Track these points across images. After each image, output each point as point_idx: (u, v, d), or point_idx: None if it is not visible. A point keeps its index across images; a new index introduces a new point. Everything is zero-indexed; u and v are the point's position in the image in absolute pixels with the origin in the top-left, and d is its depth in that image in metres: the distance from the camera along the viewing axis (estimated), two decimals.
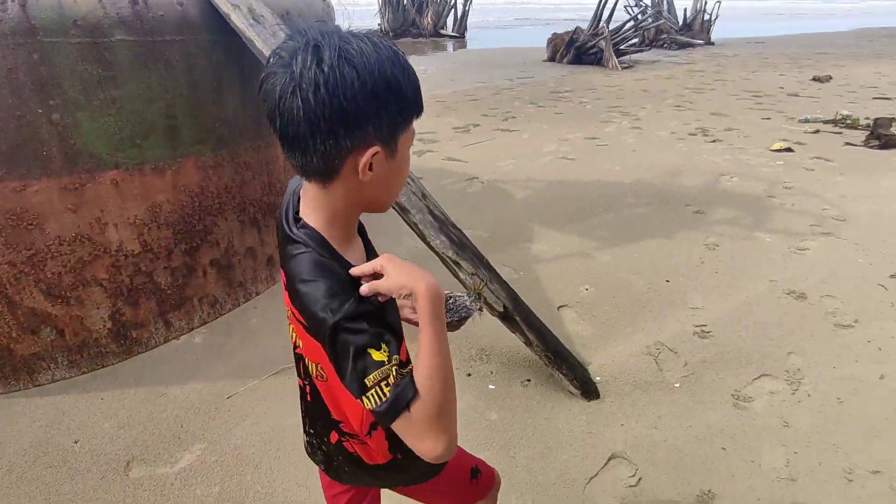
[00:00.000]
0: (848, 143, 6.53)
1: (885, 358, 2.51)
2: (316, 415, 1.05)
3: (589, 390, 2.37)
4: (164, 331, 2.71)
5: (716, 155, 5.97)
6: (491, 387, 2.45)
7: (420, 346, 0.78)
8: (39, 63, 1.97)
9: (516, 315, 2.29)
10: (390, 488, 1.17)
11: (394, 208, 2.29)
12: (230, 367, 2.59)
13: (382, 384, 0.75)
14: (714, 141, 6.59)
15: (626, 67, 13.90)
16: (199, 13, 2.32)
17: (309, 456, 1.14)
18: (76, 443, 2.19)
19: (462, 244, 2.32)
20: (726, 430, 2.16)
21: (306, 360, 0.98)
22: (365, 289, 0.80)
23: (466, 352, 2.66)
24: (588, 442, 2.14)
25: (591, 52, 14.36)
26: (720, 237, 3.84)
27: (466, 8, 22.52)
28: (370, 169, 0.80)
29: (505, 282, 2.38)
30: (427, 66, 14.03)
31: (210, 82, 2.43)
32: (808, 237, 3.84)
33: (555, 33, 15.42)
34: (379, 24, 22.42)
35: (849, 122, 7.41)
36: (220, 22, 2.34)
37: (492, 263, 2.41)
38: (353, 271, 0.83)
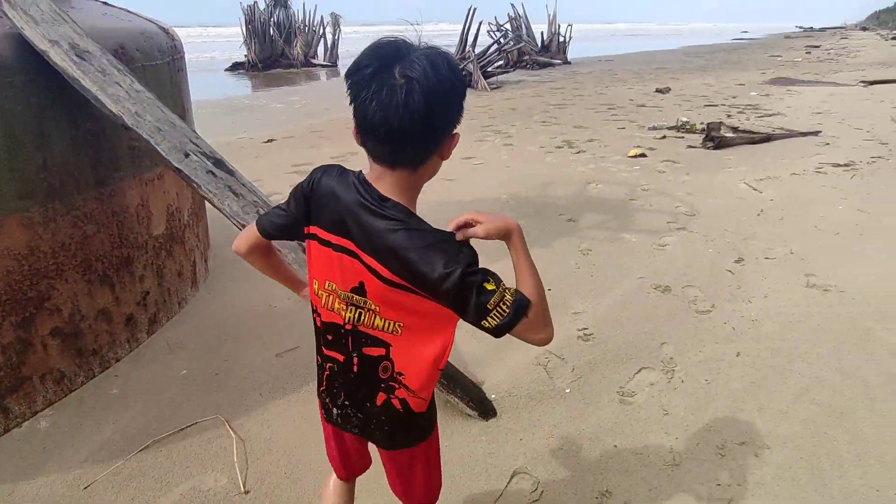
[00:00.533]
0: (690, 146, 7.35)
1: (738, 336, 2.80)
2: (361, 383, 1.18)
3: (486, 409, 2.36)
4: (1, 419, 2.30)
5: (581, 165, 6.42)
6: None
7: (522, 270, 1.08)
8: None
9: None
10: (399, 448, 1.28)
11: None
12: (88, 450, 2.25)
13: (501, 304, 0.99)
14: (579, 152, 7.10)
15: (494, 88, 14.65)
16: (13, 52, 2.03)
17: (339, 425, 1.28)
18: None
19: None
20: (616, 427, 2.26)
21: (372, 323, 1.10)
22: (460, 235, 1.05)
23: None
24: (490, 462, 2.12)
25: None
26: (592, 242, 4.09)
27: (336, 37, 22.52)
28: None
29: None
30: (302, 97, 13.75)
31: (30, 128, 2.13)
32: (666, 233, 4.22)
33: None
34: (245, 56, 21.68)
35: (688, 127, 8.38)
36: (38, 61, 2.07)
37: None
38: (452, 225, 1.07)
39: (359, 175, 1.08)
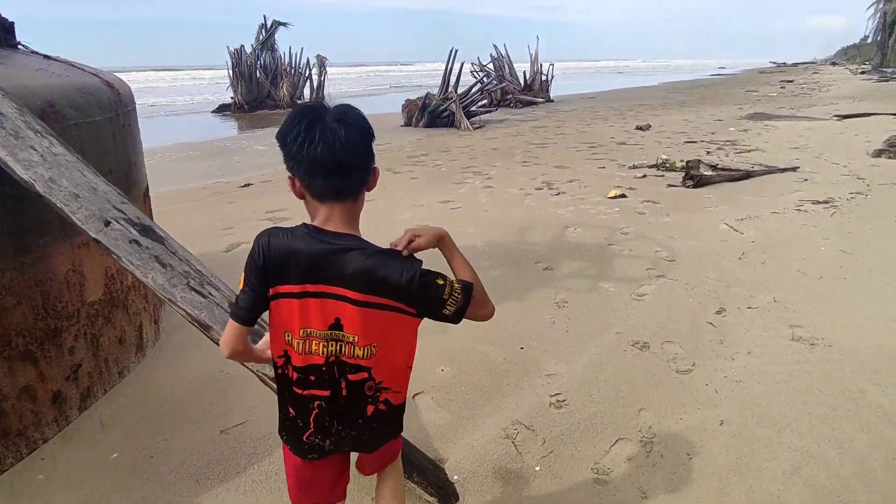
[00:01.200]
0: (670, 185, 7.30)
1: (722, 400, 2.60)
2: (351, 405, 1.32)
3: (447, 494, 2.12)
4: None
5: (560, 207, 6.31)
6: None
7: (457, 262, 1.35)
8: None
9: None
10: (384, 444, 1.45)
11: (195, 325, 1.94)
12: None
13: (454, 293, 1.25)
14: (558, 193, 7.01)
15: (477, 128, 14.74)
16: None
17: (330, 452, 1.39)
18: None
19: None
20: None
21: (352, 354, 1.26)
22: (407, 251, 1.25)
23: None
24: None
25: (444, 115, 15.07)
26: (569, 292, 3.92)
27: (322, 78, 22.80)
28: None
29: None
30: None
31: None
32: (645, 281, 4.06)
33: (408, 99, 16.02)
34: (232, 98, 21.84)
35: (668, 164, 8.36)
36: None
37: None
38: (396, 244, 1.28)
39: (306, 226, 1.24)
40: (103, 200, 1.95)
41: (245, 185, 8.01)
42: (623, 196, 6.78)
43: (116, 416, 2.70)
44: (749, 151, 9.44)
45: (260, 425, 2.60)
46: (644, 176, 7.95)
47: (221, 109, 21.51)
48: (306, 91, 22.82)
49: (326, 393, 1.29)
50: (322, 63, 22.55)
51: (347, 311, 1.22)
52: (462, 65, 16.43)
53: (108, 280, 2.77)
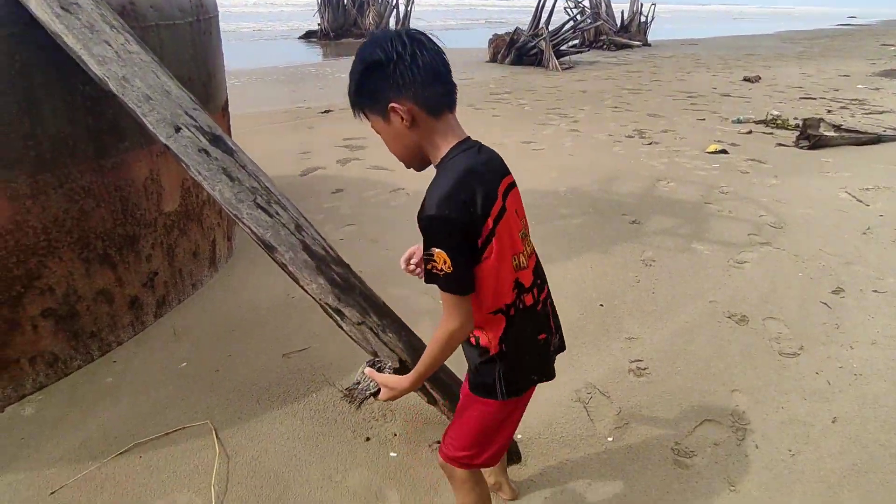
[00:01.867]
0: (780, 144, 6.50)
1: (835, 394, 2.25)
2: (550, 302, 1.39)
3: (509, 453, 1.98)
4: None
5: (653, 158, 5.78)
6: (392, 454, 2.02)
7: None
8: None
9: None
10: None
11: (259, 245, 1.84)
12: (67, 446, 2.06)
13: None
14: (651, 143, 6.43)
15: (566, 68, 13.83)
16: None
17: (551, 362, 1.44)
18: None
19: (348, 285, 1.88)
20: (665, 496, 1.82)
21: (532, 249, 1.32)
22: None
23: (367, 410, 2.22)
24: None
25: (531, 52, 14.22)
26: (657, 250, 3.56)
27: (409, 8, 22.07)
28: None
29: (405, 328, 1.96)
30: None
31: (15, 90, 1.90)
32: (746, 248, 3.62)
33: (495, 34, 15.21)
34: (319, 25, 21.68)
35: (779, 122, 7.45)
36: (23, 11, 1.81)
37: (410, 291, 1.99)
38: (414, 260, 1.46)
39: (457, 149, 1.17)
40: (175, 105, 1.84)
41: (325, 112, 7.94)
42: (724, 152, 6.11)
43: (188, 327, 2.74)
44: (880, 113, 8.24)
45: (320, 354, 2.54)
46: (750, 132, 7.14)
47: (308, 36, 21.48)
48: (392, 21, 22.23)
49: (543, 295, 1.33)
50: None
51: (519, 197, 1.26)
52: (556, 0, 15.28)
53: (184, 192, 2.75)
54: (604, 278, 3.21)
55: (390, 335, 1.88)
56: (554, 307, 1.41)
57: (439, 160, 1.18)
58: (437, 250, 1.11)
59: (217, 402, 2.26)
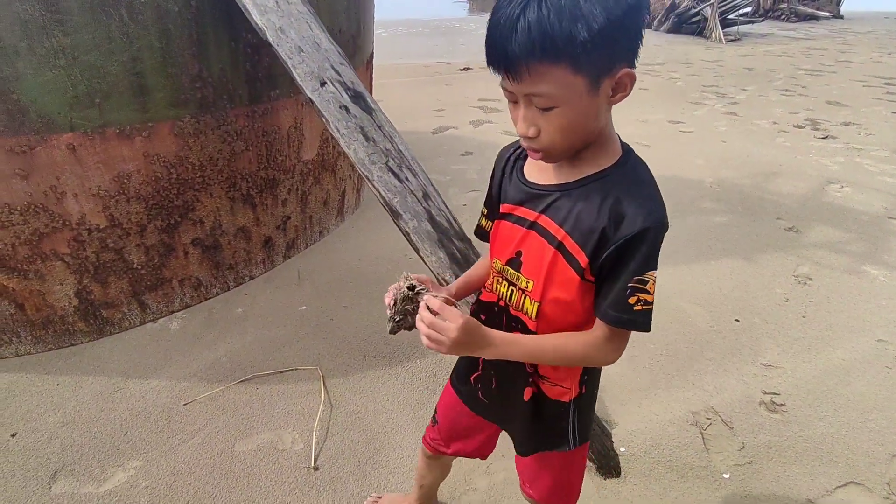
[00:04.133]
0: None
1: None
2: None
3: (607, 465, 1.85)
4: (138, 312, 2.44)
5: (826, 155, 5.00)
6: None
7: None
8: None
9: None
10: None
11: (386, 210, 1.83)
12: (199, 365, 2.29)
13: None
14: (826, 137, 5.55)
15: (731, 40, 12.37)
16: None
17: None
18: (13, 436, 1.96)
19: (466, 262, 1.83)
20: None
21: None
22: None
23: None
24: None
25: (693, 20, 12.88)
26: (816, 267, 3.09)
27: None
28: None
29: None
30: None
31: (188, 34, 2.03)
32: None
33: None
34: None
35: None
36: None
37: None
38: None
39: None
40: (323, 59, 1.85)
41: (464, 69, 7.86)
42: None
43: (311, 272, 2.89)
44: None
45: None
46: None
47: None
48: None
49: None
50: None
51: None
52: None
53: (322, 142, 2.84)
54: (744, 290, 2.86)
55: None
56: None
57: (619, 152, 0.92)
58: (654, 273, 0.87)
59: (327, 350, 2.37)
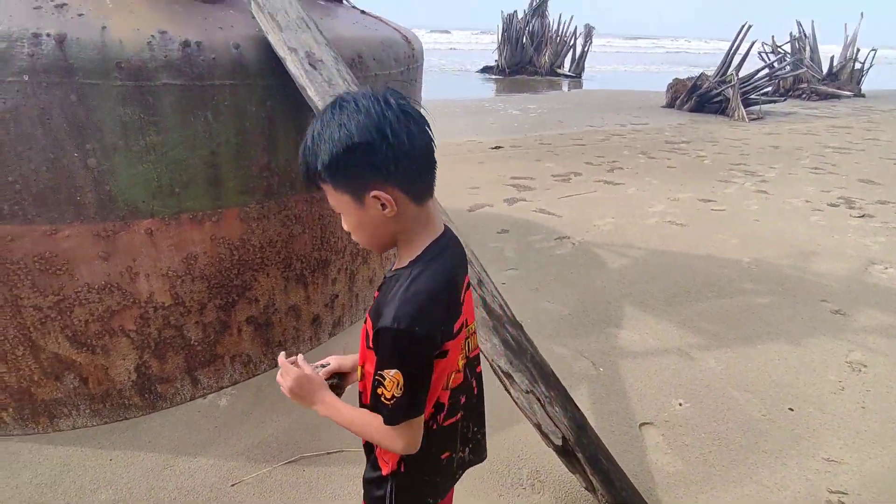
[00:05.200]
0: None
1: None
2: (481, 405, 1.23)
3: None
4: (190, 387, 2.50)
5: (865, 235, 4.96)
6: None
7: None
8: (77, 105, 1.84)
9: (578, 451, 1.78)
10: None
11: None
12: (247, 443, 2.30)
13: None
14: (863, 216, 5.54)
15: (754, 119, 12.64)
16: (256, 57, 2.12)
17: (459, 473, 1.22)
18: None
19: (520, 349, 1.86)
20: None
21: (475, 344, 1.17)
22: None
23: (515, 472, 2.16)
24: None
25: (714, 100, 13.26)
26: (870, 354, 3.01)
27: (586, 49, 22.08)
28: None
29: (570, 402, 1.88)
30: (538, 105, 13.71)
31: (261, 130, 2.22)
32: None
33: (676, 79, 14.49)
34: (496, 62, 22.61)
35: None
36: (278, 65, 2.12)
37: (569, 351, 1.92)
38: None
39: (433, 248, 1.01)
40: None
41: (496, 148, 8.17)
42: None
43: (354, 348, 2.93)
44: None
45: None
46: None
47: (484, 70, 22.52)
48: (567, 60, 22.38)
49: (464, 399, 1.15)
50: (589, 33, 21.75)
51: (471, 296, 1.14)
52: (752, 45, 14.10)
53: None
54: (795, 376, 2.79)
55: (556, 409, 1.81)
56: (478, 413, 1.21)
57: (414, 257, 0.99)
58: (393, 372, 0.93)
59: None
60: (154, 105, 1.95)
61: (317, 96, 1.97)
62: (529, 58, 22.05)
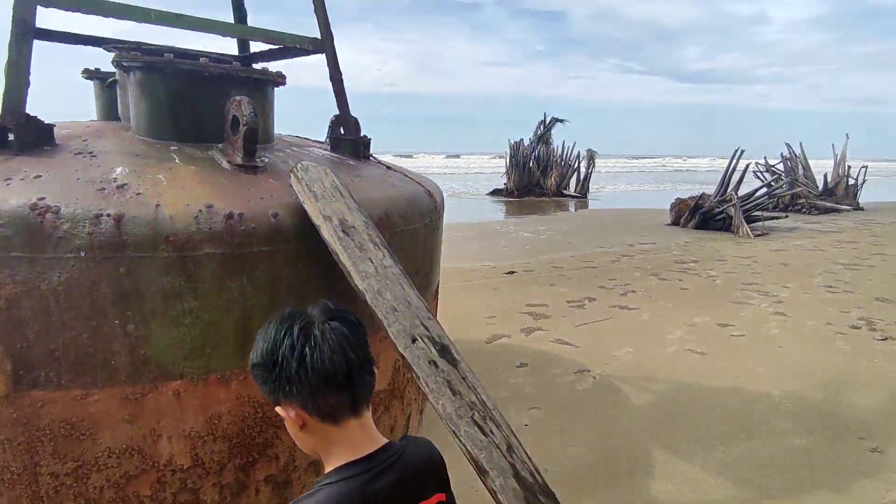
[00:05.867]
0: None
1: None
2: None
3: None
4: None
5: (892, 360, 4.84)
6: None
7: None
8: (125, 276, 1.96)
9: None
10: None
11: (472, 465, 1.84)
12: None
13: None
14: (886, 339, 5.44)
15: (758, 235, 12.92)
16: (292, 223, 2.27)
17: None
18: None
19: None
20: None
21: None
22: None
23: None
24: None
25: (717, 217, 13.68)
26: None
27: (589, 171, 23.31)
28: None
29: None
30: (548, 227, 14.19)
31: (292, 292, 2.31)
32: None
33: (678, 198, 15.08)
34: (505, 184, 23.78)
35: None
36: (312, 229, 2.27)
37: None
38: None
39: (371, 465, 1.01)
40: (414, 316, 2.05)
41: (509, 273, 8.33)
42: None
43: None
44: None
45: None
46: None
47: (495, 193, 23.62)
48: (572, 182, 23.53)
49: None
50: (592, 157, 23.10)
51: None
52: (747, 166, 14.84)
53: (394, 372, 2.97)
54: None
55: None
56: None
57: (327, 473, 1.02)
58: None
59: None
60: (195, 273, 2.06)
61: (349, 262, 2.08)
62: (537, 180, 23.21)
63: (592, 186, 24.19)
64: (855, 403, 3.98)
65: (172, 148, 2.50)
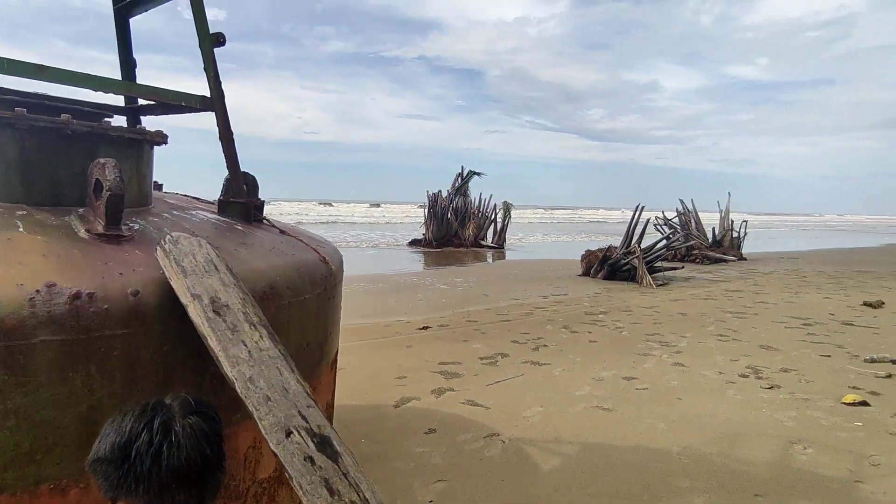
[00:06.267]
0: None
1: None
2: None
3: None
4: None
5: (778, 409, 5.15)
6: None
7: None
8: None
9: None
10: None
11: None
12: None
13: None
14: (771, 387, 5.82)
15: (660, 284, 13.78)
16: (157, 301, 2.02)
17: None
18: None
19: None
20: None
21: None
22: None
23: None
24: None
25: (624, 268, 14.47)
26: None
27: (506, 222, 24.09)
28: None
29: None
30: (465, 278, 14.29)
31: (153, 377, 2.04)
32: None
33: (588, 250, 15.86)
34: (423, 235, 23.95)
35: None
36: (180, 310, 2.04)
37: None
38: None
39: None
40: (291, 405, 1.86)
41: (423, 328, 8.19)
42: (864, 403, 5.36)
43: None
44: None
45: None
46: (889, 376, 6.33)
47: (413, 244, 23.70)
48: (490, 233, 24.16)
49: None
50: (507, 209, 23.95)
51: None
52: (648, 220, 15.98)
53: None
54: None
55: None
56: None
57: None
58: None
59: None
60: (24, 365, 1.75)
61: (218, 346, 1.87)
62: (455, 231, 23.62)
63: (511, 237, 24.99)
64: (748, 458, 4.14)
65: (19, 213, 2.20)
